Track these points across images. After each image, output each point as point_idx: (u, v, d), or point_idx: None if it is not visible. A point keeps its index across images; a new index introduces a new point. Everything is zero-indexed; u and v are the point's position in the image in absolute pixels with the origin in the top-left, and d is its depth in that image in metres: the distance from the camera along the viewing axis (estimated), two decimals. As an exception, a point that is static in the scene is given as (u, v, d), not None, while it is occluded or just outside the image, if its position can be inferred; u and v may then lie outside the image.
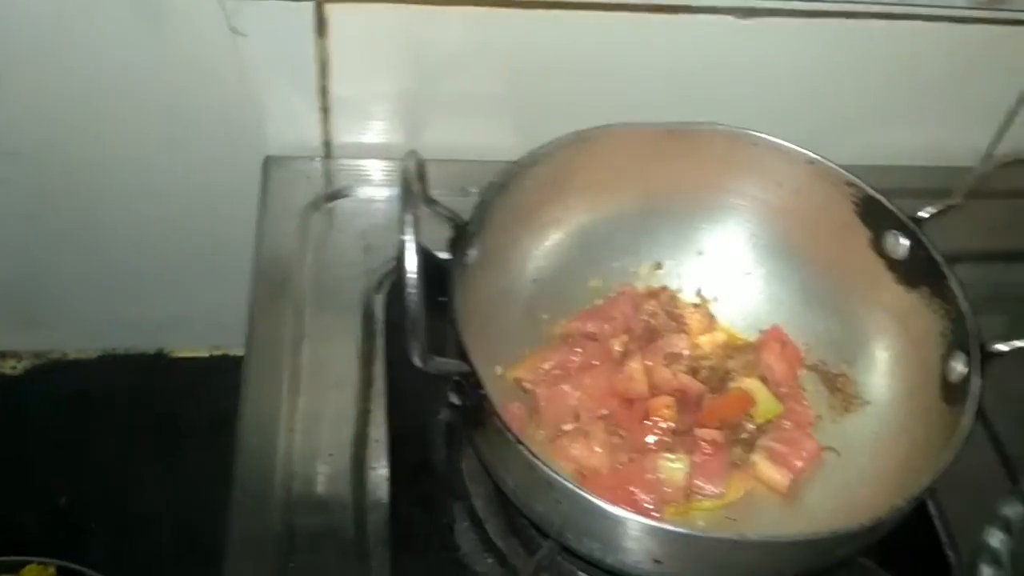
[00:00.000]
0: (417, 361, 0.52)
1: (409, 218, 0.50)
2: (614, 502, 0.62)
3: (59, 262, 1.01)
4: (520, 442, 0.53)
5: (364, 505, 0.68)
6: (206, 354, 1.14)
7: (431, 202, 0.60)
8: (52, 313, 1.08)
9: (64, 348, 1.12)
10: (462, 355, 0.56)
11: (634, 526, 0.51)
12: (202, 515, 0.78)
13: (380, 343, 0.78)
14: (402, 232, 0.50)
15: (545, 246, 0.76)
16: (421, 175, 0.57)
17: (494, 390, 0.70)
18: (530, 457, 0.52)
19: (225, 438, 0.72)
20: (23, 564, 0.93)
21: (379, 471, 0.70)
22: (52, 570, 0.94)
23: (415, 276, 0.50)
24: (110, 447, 1.07)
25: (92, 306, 1.07)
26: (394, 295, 0.81)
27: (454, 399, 0.57)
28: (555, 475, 0.52)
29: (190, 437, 1.06)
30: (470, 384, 0.55)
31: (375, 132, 0.91)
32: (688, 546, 0.51)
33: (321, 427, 0.72)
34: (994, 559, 0.68)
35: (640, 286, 0.79)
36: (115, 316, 1.08)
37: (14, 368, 1.11)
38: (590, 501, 0.51)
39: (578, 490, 0.51)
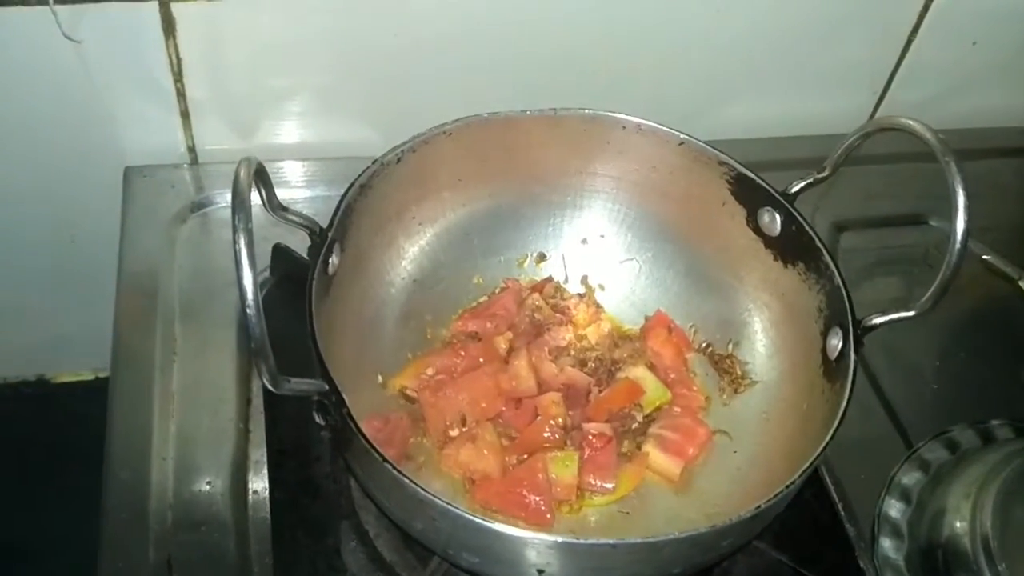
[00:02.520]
0: (270, 386, 0.49)
1: (242, 236, 0.46)
2: (506, 510, 0.61)
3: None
4: (387, 460, 0.50)
5: (246, 532, 0.64)
6: (90, 377, 1.09)
7: (281, 209, 0.57)
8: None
9: (-61, 381, 1.06)
10: (322, 372, 0.53)
11: (509, 539, 0.49)
12: (91, 545, 0.74)
13: (258, 358, 0.74)
14: (235, 250, 0.46)
15: (422, 245, 0.73)
16: (263, 182, 0.54)
17: (375, 401, 0.68)
18: (399, 476, 0.50)
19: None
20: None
21: (261, 495, 0.66)
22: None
23: (254, 299, 0.46)
24: (-3, 479, 1.02)
25: (-36, 335, 1.00)
26: (270, 306, 0.77)
27: (318, 419, 0.54)
28: (425, 493, 0.49)
29: (77, 464, 1.00)
30: (332, 404, 0.52)
31: (241, 134, 0.86)
32: (566, 554, 0.50)
33: (197, 451, 0.68)
34: (893, 530, 0.68)
35: (524, 279, 0.77)
36: (-9, 344, 1.02)
37: None
38: (463, 517, 0.49)
39: (450, 507, 0.49)
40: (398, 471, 0.49)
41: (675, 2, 0.84)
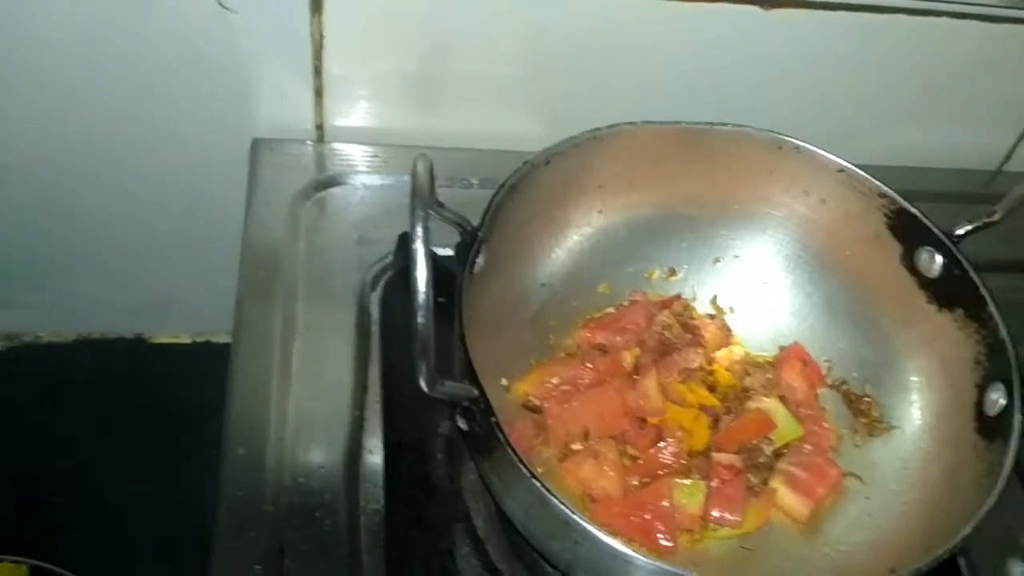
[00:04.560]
0: (425, 387, 0.48)
1: (420, 233, 0.45)
2: (626, 532, 0.59)
3: (32, 241, 0.96)
4: (535, 476, 0.49)
5: (358, 523, 0.64)
6: (188, 340, 1.10)
7: (438, 206, 0.56)
8: (26, 293, 1.02)
9: (38, 330, 1.07)
10: (472, 379, 0.52)
11: (657, 572, 0.47)
12: (183, 509, 0.75)
13: (376, 345, 0.73)
14: (412, 248, 0.45)
15: (554, 250, 0.71)
16: (431, 179, 0.52)
17: (498, 404, 0.66)
18: (546, 494, 0.48)
19: (207, 428, 0.68)
20: (-6, 563, 0.89)
21: (374, 484, 0.66)
22: (24, 569, 0.89)
23: (425, 297, 0.45)
24: (87, 436, 1.03)
25: (68, 287, 1.01)
26: (390, 294, 0.77)
27: (462, 425, 0.53)
28: (574, 516, 0.47)
29: (171, 426, 1.02)
30: (480, 411, 0.51)
31: (370, 115, 0.86)
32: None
33: (313, 435, 0.67)
34: (1017, 593, 0.65)
35: (651, 293, 0.74)
36: (93, 298, 1.03)
37: (-16, 350, 1.06)
38: (612, 547, 0.47)
39: (599, 534, 0.47)
40: (548, 490, 0.48)
41: (831, 31, 0.82)
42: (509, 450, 0.49)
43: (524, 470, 0.49)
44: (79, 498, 1.01)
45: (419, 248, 0.45)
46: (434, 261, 0.66)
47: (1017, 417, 0.55)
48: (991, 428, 0.58)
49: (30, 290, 1.02)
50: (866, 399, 0.69)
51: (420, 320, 0.45)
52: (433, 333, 0.47)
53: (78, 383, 1.05)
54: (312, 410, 0.68)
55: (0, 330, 1.06)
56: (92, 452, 1.02)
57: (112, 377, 1.06)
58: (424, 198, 0.46)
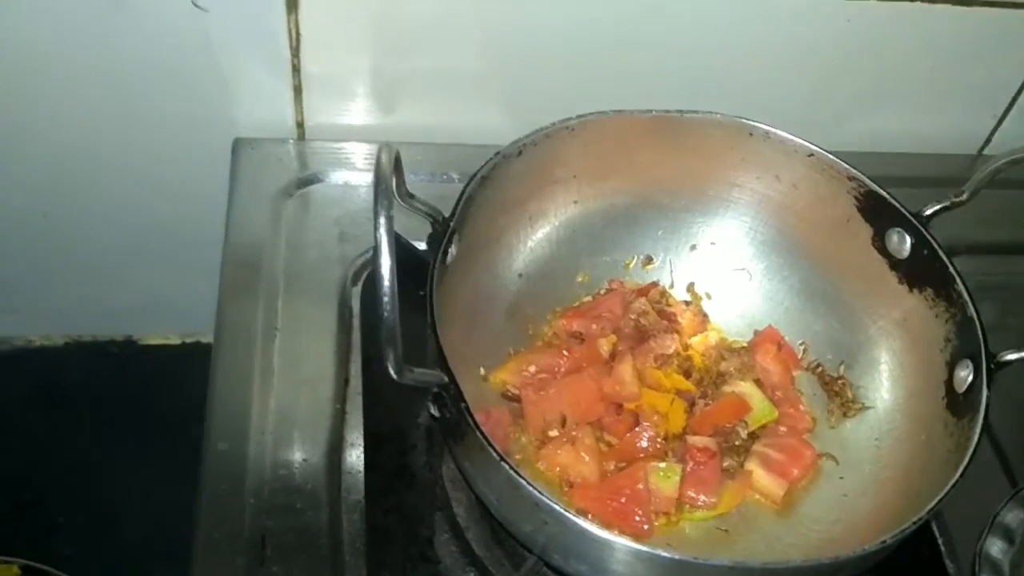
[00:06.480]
0: (393, 373, 0.48)
1: (384, 221, 0.45)
2: (603, 517, 0.60)
3: (21, 245, 0.96)
4: (504, 459, 0.49)
5: (339, 514, 0.64)
6: (177, 341, 1.10)
7: (408, 197, 0.56)
8: (15, 297, 1.03)
9: (29, 334, 1.08)
10: (442, 365, 0.52)
11: (626, 551, 0.48)
12: (174, 509, 0.75)
13: (357, 338, 0.74)
14: (376, 235, 0.45)
15: (531, 239, 0.72)
16: (397, 169, 0.53)
17: (476, 393, 0.67)
18: (515, 476, 0.49)
19: (197, 429, 0.68)
20: (-14, 562, 0.90)
21: (355, 476, 0.66)
22: (16, 569, 0.90)
23: (390, 284, 0.46)
24: (78, 438, 1.04)
25: (58, 291, 1.02)
26: (371, 288, 0.77)
27: (433, 411, 0.54)
28: (542, 497, 0.48)
29: (161, 427, 1.02)
30: (450, 396, 0.52)
31: (351, 113, 0.86)
32: (683, 572, 0.48)
33: (294, 428, 0.68)
34: (994, 570, 0.66)
35: (629, 281, 0.75)
36: (82, 301, 1.04)
37: (-25, 354, 1.06)
38: (580, 525, 0.48)
39: (567, 513, 0.48)
40: (516, 471, 0.49)
41: (803, 16, 0.82)
42: (479, 433, 0.50)
43: (493, 453, 0.49)
44: (71, 499, 1.02)
45: (383, 236, 0.46)
46: (414, 255, 0.68)
47: (984, 392, 0.56)
48: (960, 405, 0.58)
49: (20, 295, 1.02)
50: (840, 381, 0.69)
51: (386, 307, 0.46)
52: (399, 321, 0.47)
53: (69, 386, 1.06)
54: (294, 404, 0.69)
55: (-9, 333, 1.07)
56: (84, 453, 1.02)
57: (103, 379, 1.06)
58: (388, 186, 0.47)
